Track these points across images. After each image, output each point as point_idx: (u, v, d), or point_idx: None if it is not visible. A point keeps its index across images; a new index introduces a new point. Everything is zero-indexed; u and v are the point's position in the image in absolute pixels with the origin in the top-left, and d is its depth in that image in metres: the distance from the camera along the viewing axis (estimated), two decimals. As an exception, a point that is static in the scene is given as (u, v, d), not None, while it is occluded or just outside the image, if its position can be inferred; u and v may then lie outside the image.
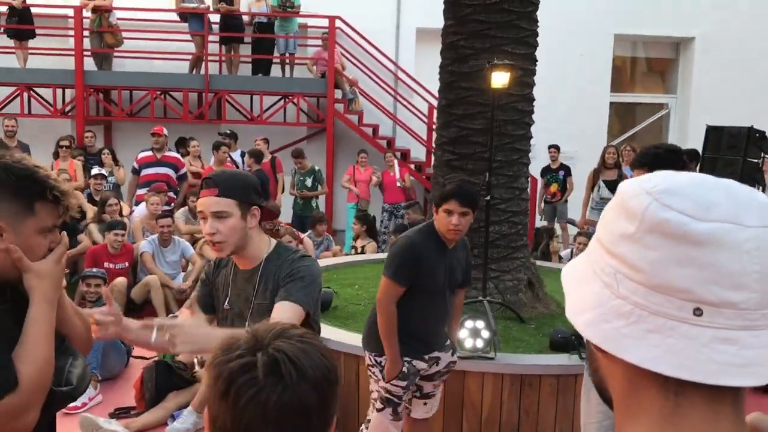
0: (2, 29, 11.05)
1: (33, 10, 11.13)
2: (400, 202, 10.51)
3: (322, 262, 7.24)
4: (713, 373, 0.70)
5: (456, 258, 3.54)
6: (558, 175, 10.74)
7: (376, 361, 3.52)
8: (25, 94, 11.21)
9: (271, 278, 2.40)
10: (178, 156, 9.66)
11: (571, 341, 4.65)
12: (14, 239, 1.65)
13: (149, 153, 9.24)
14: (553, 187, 10.71)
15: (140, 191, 9.08)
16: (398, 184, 10.58)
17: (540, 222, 10.76)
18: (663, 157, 3.00)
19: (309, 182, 10.10)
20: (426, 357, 3.54)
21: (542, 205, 10.79)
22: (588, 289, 0.79)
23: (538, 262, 6.38)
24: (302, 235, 8.31)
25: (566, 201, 10.66)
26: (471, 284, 3.85)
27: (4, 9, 10.94)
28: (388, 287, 3.40)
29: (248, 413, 1.01)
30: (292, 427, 1.03)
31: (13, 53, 11.17)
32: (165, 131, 9.42)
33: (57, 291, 1.72)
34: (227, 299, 2.52)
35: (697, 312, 0.70)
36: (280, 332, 1.08)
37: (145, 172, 9.13)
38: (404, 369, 3.46)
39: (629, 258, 0.74)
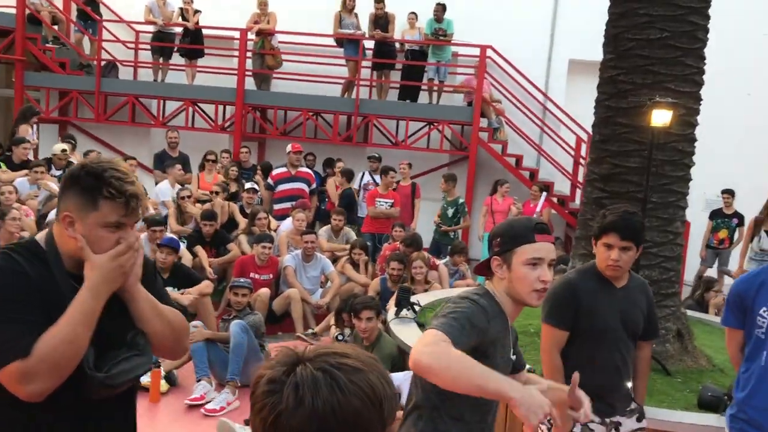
0: (176, 48, 11.95)
1: (204, 31, 11.97)
2: None
3: (456, 291, 7.18)
4: None
5: (631, 300, 3.17)
6: (730, 221, 10.10)
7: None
8: (190, 109, 12.03)
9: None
10: (310, 171, 10.01)
11: (722, 400, 4.32)
12: (82, 230, 1.81)
13: (284, 169, 9.61)
14: (722, 233, 10.08)
15: (276, 206, 9.46)
16: (534, 216, 10.36)
17: (696, 265, 10.17)
18: None
19: (450, 212, 10.04)
20: (606, 420, 3.14)
21: (704, 249, 10.18)
22: None
23: (690, 312, 6.00)
24: (438, 262, 8.31)
25: (731, 250, 10.01)
26: (659, 336, 3.41)
27: (178, 30, 11.84)
28: (546, 332, 3.11)
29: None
30: None
31: (183, 71, 12.04)
32: (302, 148, 9.80)
33: (106, 284, 1.82)
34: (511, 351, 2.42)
35: None
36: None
37: (280, 187, 9.51)
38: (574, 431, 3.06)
39: None
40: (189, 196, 8.67)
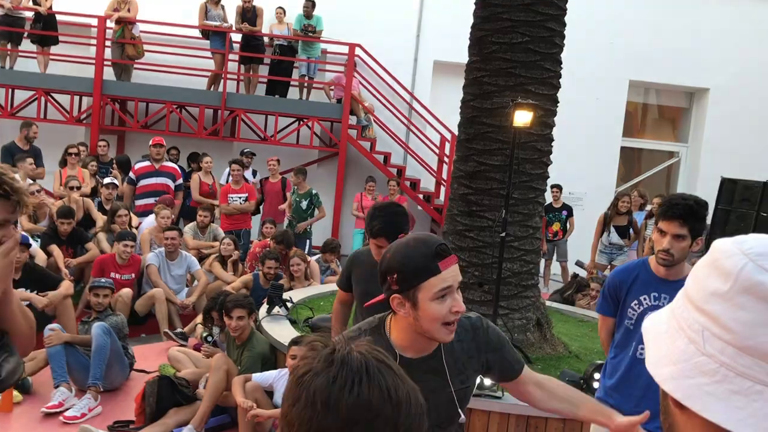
0: (26, 34, 11.15)
1: (58, 17, 11.25)
2: None
3: (328, 287, 7.22)
4: None
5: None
6: (560, 214, 10.82)
7: None
8: (43, 99, 11.28)
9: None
10: (176, 166, 9.69)
11: (579, 385, 4.61)
12: None
13: (147, 163, 9.25)
14: (556, 226, 10.78)
15: (139, 202, 9.09)
16: None
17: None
18: (695, 210, 2.96)
19: (304, 204, 9.85)
20: None
21: (543, 243, 10.81)
22: (672, 343, 0.79)
23: (549, 302, 6.36)
24: (310, 258, 8.30)
25: (566, 240, 10.74)
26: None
27: (29, 14, 11.06)
28: None
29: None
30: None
31: (35, 58, 11.26)
32: (164, 141, 9.46)
33: (2, 282, 1.77)
34: None
35: None
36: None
37: (142, 182, 9.15)
38: None
39: (719, 316, 0.73)
40: (39, 191, 8.13)
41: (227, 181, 9.91)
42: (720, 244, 0.78)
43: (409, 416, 1.06)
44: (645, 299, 3.14)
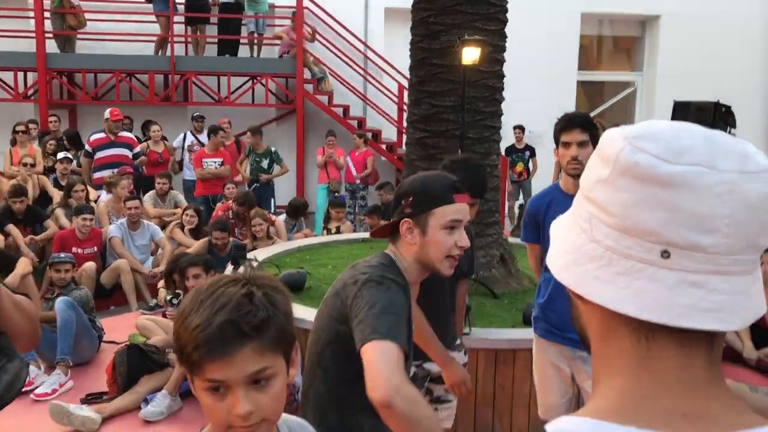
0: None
1: (-9, -10, 10.84)
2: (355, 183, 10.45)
3: (294, 243, 7.20)
4: (678, 315, 0.70)
5: None
6: (523, 155, 10.89)
7: None
8: (-15, 78, 10.94)
9: None
10: (132, 136, 9.49)
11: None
12: None
13: (102, 135, 9.05)
14: (519, 167, 10.86)
15: (97, 174, 8.92)
16: (354, 173, 10.38)
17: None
18: (589, 119, 3.19)
19: (265, 164, 9.71)
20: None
21: (508, 184, 10.89)
22: (567, 236, 0.80)
23: (511, 239, 6.41)
24: (274, 217, 8.25)
25: (530, 180, 10.83)
26: (472, 273, 3.37)
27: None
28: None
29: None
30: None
31: (-29, 35, 10.88)
32: (121, 115, 9.24)
33: None
34: None
35: (665, 254, 0.71)
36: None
37: (99, 154, 8.96)
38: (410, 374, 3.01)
39: (602, 201, 0.75)
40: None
41: (183, 147, 9.76)
42: (606, 133, 0.78)
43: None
44: None
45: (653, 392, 0.73)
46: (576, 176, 3.11)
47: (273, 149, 9.79)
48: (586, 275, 0.75)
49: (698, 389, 0.72)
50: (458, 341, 3.31)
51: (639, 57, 14.06)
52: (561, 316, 3.24)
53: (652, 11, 13.21)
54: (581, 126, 3.11)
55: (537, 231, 3.40)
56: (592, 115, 13.52)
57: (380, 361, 1.73)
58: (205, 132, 9.91)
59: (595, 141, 3.11)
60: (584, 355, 3.27)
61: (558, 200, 3.25)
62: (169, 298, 5.62)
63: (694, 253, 0.70)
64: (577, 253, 0.77)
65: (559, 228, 0.84)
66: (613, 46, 14.40)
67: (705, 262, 0.70)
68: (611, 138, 0.76)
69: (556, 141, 3.21)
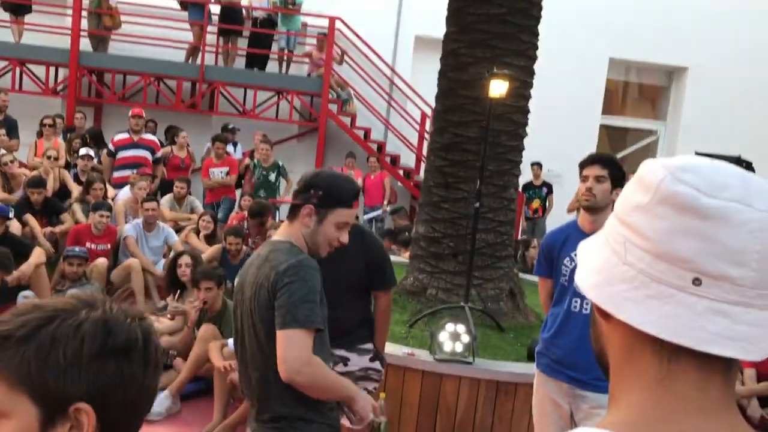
0: (-1, 2, 10.97)
1: (32, -15, 11.07)
2: (376, 205, 10.54)
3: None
4: (703, 340, 0.74)
5: (338, 266, 3.02)
6: (541, 191, 10.89)
7: None
8: (17, 70, 11.11)
9: None
10: (155, 139, 9.60)
11: (548, 353, 4.68)
12: None
13: (126, 135, 9.15)
14: (536, 203, 10.86)
15: (117, 173, 9.02)
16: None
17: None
18: (612, 158, 3.36)
19: (273, 177, 9.62)
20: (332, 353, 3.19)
21: (522, 221, 10.88)
22: (598, 256, 0.84)
23: (520, 275, 6.42)
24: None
25: (545, 218, 10.81)
26: (391, 285, 3.51)
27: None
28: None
29: None
30: None
31: (8, 27, 11.07)
32: (143, 113, 9.35)
33: None
34: None
35: (696, 282, 0.74)
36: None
37: (121, 154, 9.05)
38: None
39: (639, 227, 0.78)
40: (12, 161, 8.05)
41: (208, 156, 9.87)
42: (646, 163, 0.82)
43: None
44: (576, 255, 3.25)
45: (671, 412, 0.76)
46: (587, 208, 3.28)
47: (280, 163, 9.74)
48: (616, 295, 0.78)
49: (714, 414, 0.76)
50: (364, 346, 3.39)
51: (663, 106, 14.11)
52: (565, 352, 3.29)
53: (680, 62, 13.27)
54: (601, 162, 3.27)
55: (550, 265, 3.46)
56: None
57: (287, 348, 2.19)
58: (232, 144, 10.04)
59: (615, 180, 3.24)
60: (584, 394, 3.29)
61: (574, 237, 3.32)
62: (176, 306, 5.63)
63: (723, 284, 0.74)
64: (608, 274, 0.80)
65: (590, 249, 0.87)
66: (639, 93, 14.46)
67: (732, 293, 0.74)
68: (652, 167, 0.79)
69: (580, 175, 3.34)
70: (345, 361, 3.36)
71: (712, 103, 12.96)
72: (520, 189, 10.55)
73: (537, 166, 10.82)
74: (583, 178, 3.30)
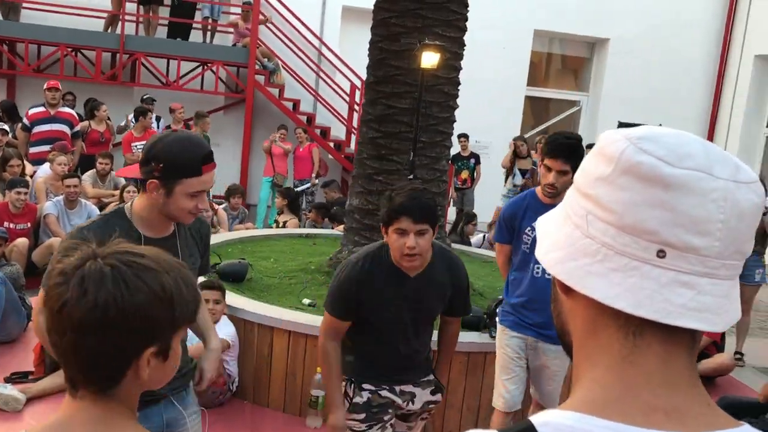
0: None
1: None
2: (305, 178, 10.47)
3: (236, 234, 7.13)
4: (669, 313, 0.73)
5: (424, 286, 2.89)
6: (469, 162, 11.06)
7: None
8: None
9: None
10: (73, 112, 9.20)
11: (482, 319, 4.77)
12: None
13: (42, 109, 8.74)
14: (464, 174, 11.03)
15: (33, 149, 8.62)
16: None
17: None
18: (575, 148, 3.37)
19: None
20: (397, 389, 3.03)
21: (452, 191, 11.03)
22: (559, 230, 0.82)
23: (453, 245, 6.49)
24: (217, 206, 8.15)
25: (473, 188, 11.06)
26: (469, 312, 3.33)
27: None
28: (327, 319, 2.96)
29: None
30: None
31: None
32: (60, 85, 8.94)
33: None
34: None
35: (661, 254, 0.73)
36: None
37: (37, 128, 8.65)
38: (362, 399, 2.98)
39: (602, 199, 0.76)
40: None
41: (126, 127, 9.53)
42: (606, 134, 0.80)
43: (182, 303, 1.14)
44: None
45: (635, 387, 0.75)
46: (550, 197, 3.43)
47: (206, 134, 9.55)
48: (578, 269, 0.77)
49: (679, 387, 0.75)
50: (426, 378, 3.12)
51: (586, 77, 14.44)
52: (544, 318, 3.48)
53: (601, 34, 13.58)
54: (564, 157, 3.34)
55: (511, 234, 3.63)
56: (536, 131, 13.86)
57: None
58: (154, 116, 9.71)
59: (576, 168, 3.26)
60: (549, 347, 3.56)
61: (534, 207, 3.50)
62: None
63: (687, 255, 0.73)
64: (570, 248, 0.78)
65: (549, 223, 0.85)
66: (562, 65, 14.75)
67: (697, 264, 0.73)
68: (613, 138, 0.78)
69: (542, 158, 3.45)
70: (412, 399, 3.09)
71: (632, 74, 13.34)
72: (450, 161, 10.73)
73: (464, 137, 10.95)
74: (546, 168, 3.39)
